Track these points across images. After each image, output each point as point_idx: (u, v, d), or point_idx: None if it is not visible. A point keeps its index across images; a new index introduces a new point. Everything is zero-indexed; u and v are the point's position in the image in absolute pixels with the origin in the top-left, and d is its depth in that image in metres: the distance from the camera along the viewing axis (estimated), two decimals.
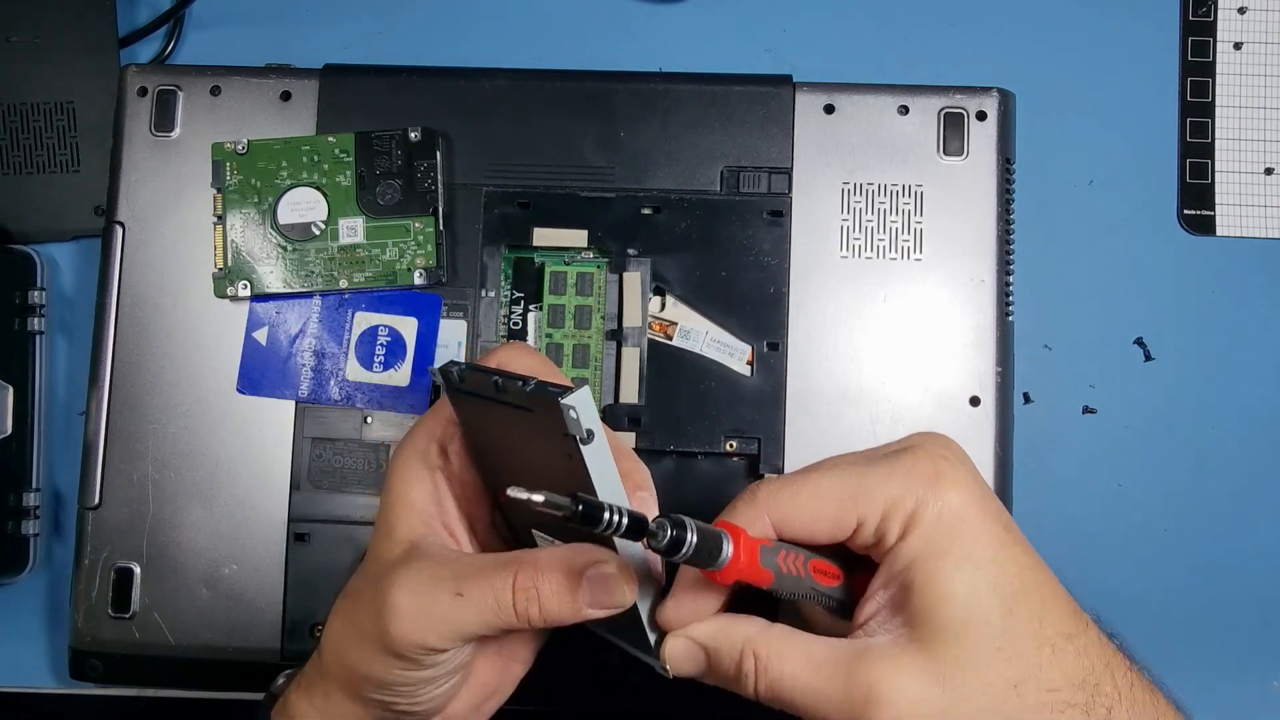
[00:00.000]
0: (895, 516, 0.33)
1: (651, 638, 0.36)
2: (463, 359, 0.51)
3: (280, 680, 0.42)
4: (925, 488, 0.33)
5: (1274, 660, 0.53)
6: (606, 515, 0.31)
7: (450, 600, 0.34)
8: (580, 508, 0.30)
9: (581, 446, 0.32)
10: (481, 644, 0.38)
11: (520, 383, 0.33)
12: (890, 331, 0.51)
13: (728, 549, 0.33)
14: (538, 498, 0.30)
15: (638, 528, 0.32)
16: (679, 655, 0.36)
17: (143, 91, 0.53)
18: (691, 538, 0.32)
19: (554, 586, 0.34)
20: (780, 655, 0.34)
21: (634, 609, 0.36)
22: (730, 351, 0.51)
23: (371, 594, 0.36)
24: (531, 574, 0.34)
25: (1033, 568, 0.34)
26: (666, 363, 0.51)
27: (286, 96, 0.53)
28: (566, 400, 0.31)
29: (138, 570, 0.50)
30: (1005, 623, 0.33)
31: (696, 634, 0.35)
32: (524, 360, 0.38)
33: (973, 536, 0.33)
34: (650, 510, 0.36)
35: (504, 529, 0.40)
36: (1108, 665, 0.34)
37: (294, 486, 0.51)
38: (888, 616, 0.34)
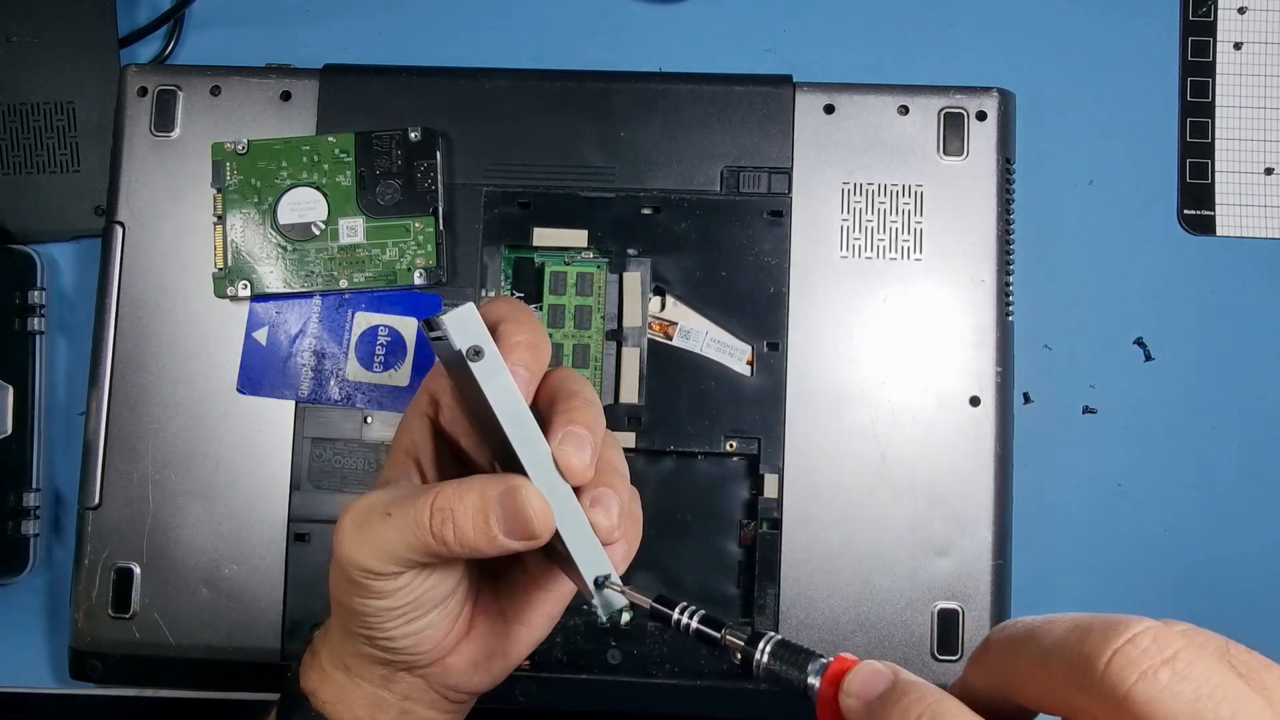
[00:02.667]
0: None
1: (586, 578, 0.34)
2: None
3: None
4: None
5: (1274, 660, 0.53)
6: (675, 615, 0.32)
7: (380, 520, 0.35)
8: (651, 608, 0.32)
9: (470, 364, 0.32)
10: (477, 598, 0.39)
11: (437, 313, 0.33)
12: (890, 331, 0.51)
13: (814, 681, 0.29)
14: (636, 600, 0.33)
15: (707, 634, 0.32)
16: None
17: (143, 91, 0.53)
18: (761, 658, 0.30)
19: (468, 510, 0.34)
20: None
21: (568, 556, 0.34)
22: (730, 351, 0.51)
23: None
24: (450, 497, 0.34)
25: None
26: (666, 363, 0.51)
27: (286, 96, 0.53)
28: (444, 317, 0.32)
29: (138, 570, 0.50)
30: None
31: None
32: (500, 308, 0.37)
33: None
34: (580, 453, 0.34)
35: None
36: None
37: (294, 486, 0.51)
38: None
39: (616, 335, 0.51)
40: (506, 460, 0.35)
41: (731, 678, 0.49)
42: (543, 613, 0.40)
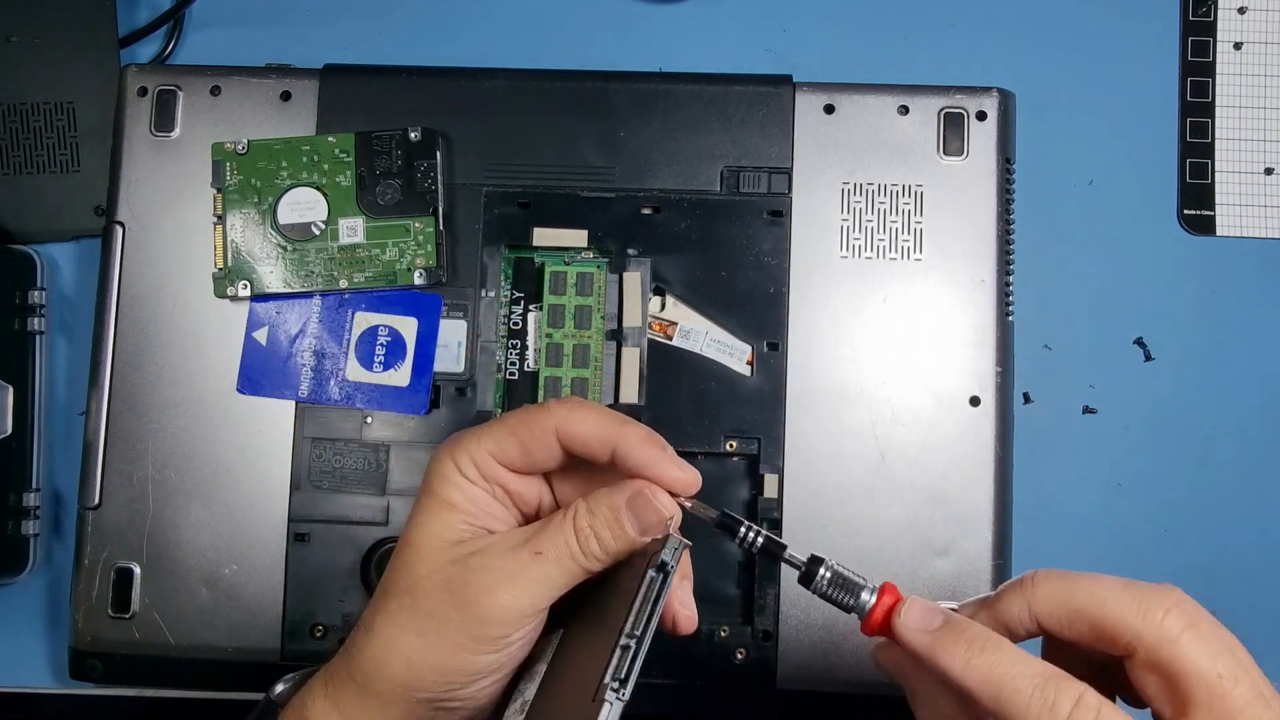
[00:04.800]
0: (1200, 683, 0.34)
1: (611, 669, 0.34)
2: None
3: (280, 687, 0.41)
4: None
5: (1274, 660, 0.53)
6: (743, 530, 0.38)
7: (531, 560, 0.36)
8: (720, 518, 0.38)
9: (651, 575, 0.35)
10: None
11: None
12: (890, 331, 0.51)
13: (867, 598, 0.37)
14: (688, 505, 0.38)
15: (772, 551, 0.38)
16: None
17: (143, 91, 0.53)
18: (824, 574, 0.37)
19: (603, 521, 0.37)
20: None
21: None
22: (730, 351, 0.51)
23: (442, 582, 0.37)
24: (585, 515, 0.37)
25: None
26: (666, 363, 0.51)
27: (286, 96, 0.53)
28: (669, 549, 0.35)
29: (138, 570, 0.50)
30: None
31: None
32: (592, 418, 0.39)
33: None
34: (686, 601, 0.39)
35: None
36: None
37: (294, 486, 0.51)
38: None
39: (616, 335, 0.51)
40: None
41: (730, 679, 0.49)
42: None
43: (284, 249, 0.52)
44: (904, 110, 0.52)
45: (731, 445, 0.50)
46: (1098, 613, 0.34)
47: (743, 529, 0.37)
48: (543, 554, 0.36)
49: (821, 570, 0.37)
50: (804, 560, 0.37)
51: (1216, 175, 0.56)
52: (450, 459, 0.39)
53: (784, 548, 0.37)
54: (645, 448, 0.37)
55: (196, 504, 0.51)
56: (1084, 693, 0.33)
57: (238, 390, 0.51)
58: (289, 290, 0.52)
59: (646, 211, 0.52)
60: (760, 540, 0.37)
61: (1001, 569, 0.49)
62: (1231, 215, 0.55)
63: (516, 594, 0.36)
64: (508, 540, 0.37)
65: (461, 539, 0.38)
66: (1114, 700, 0.35)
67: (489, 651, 0.37)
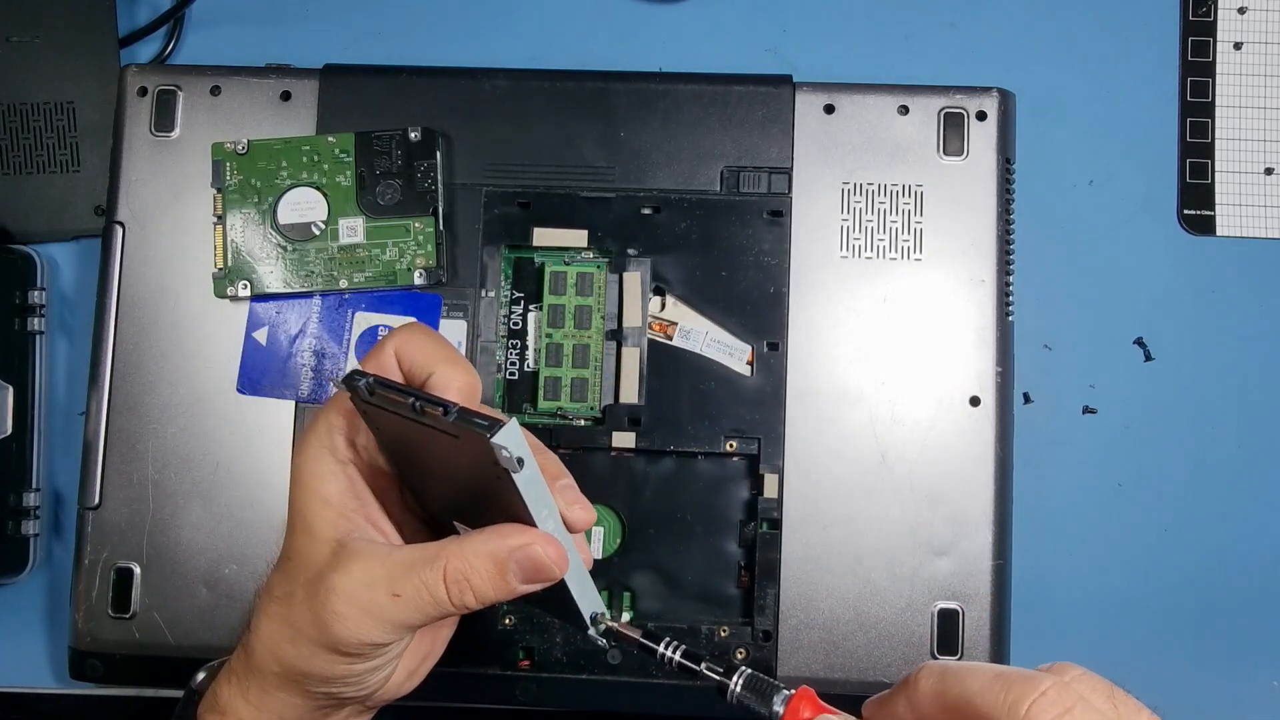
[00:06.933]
0: None
1: (585, 612, 0.37)
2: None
3: (201, 676, 0.42)
4: None
5: (1274, 660, 0.53)
6: (660, 649, 0.37)
7: (388, 600, 0.36)
8: (639, 642, 0.37)
9: (514, 476, 0.33)
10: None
11: (442, 410, 0.32)
12: (890, 331, 0.51)
13: (778, 706, 0.35)
14: (614, 624, 0.37)
15: (688, 666, 0.37)
16: None
17: (143, 91, 0.53)
18: (735, 685, 0.36)
19: (483, 575, 0.35)
20: None
21: (563, 584, 0.36)
22: (730, 351, 0.51)
23: (307, 598, 0.36)
24: (460, 568, 0.35)
25: None
26: (666, 363, 0.51)
27: (286, 96, 0.53)
28: (497, 440, 0.31)
29: (138, 570, 0.50)
30: None
31: None
32: (422, 344, 0.38)
33: None
34: (571, 496, 0.37)
35: (419, 510, 0.40)
36: None
37: None
38: None
39: (616, 335, 0.51)
40: (478, 510, 0.36)
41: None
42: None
43: (284, 249, 0.52)
44: (904, 110, 0.52)
45: (731, 445, 0.50)
46: (969, 707, 0.32)
47: (660, 646, 0.37)
48: (400, 598, 0.35)
49: (734, 679, 0.36)
50: (722, 669, 0.36)
51: (1216, 175, 0.56)
52: (317, 441, 0.38)
53: (702, 658, 0.37)
54: (456, 377, 0.37)
55: (196, 504, 0.51)
56: None
57: (238, 390, 0.51)
58: (289, 290, 0.52)
59: (646, 211, 0.52)
60: (677, 655, 0.37)
61: (1001, 569, 0.49)
62: (1231, 215, 0.55)
63: (369, 631, 0.36)
64: (372, 571, 0.36)
65: (339, 538, 0.37)
66: None
67: (356, 663, 0.37)
